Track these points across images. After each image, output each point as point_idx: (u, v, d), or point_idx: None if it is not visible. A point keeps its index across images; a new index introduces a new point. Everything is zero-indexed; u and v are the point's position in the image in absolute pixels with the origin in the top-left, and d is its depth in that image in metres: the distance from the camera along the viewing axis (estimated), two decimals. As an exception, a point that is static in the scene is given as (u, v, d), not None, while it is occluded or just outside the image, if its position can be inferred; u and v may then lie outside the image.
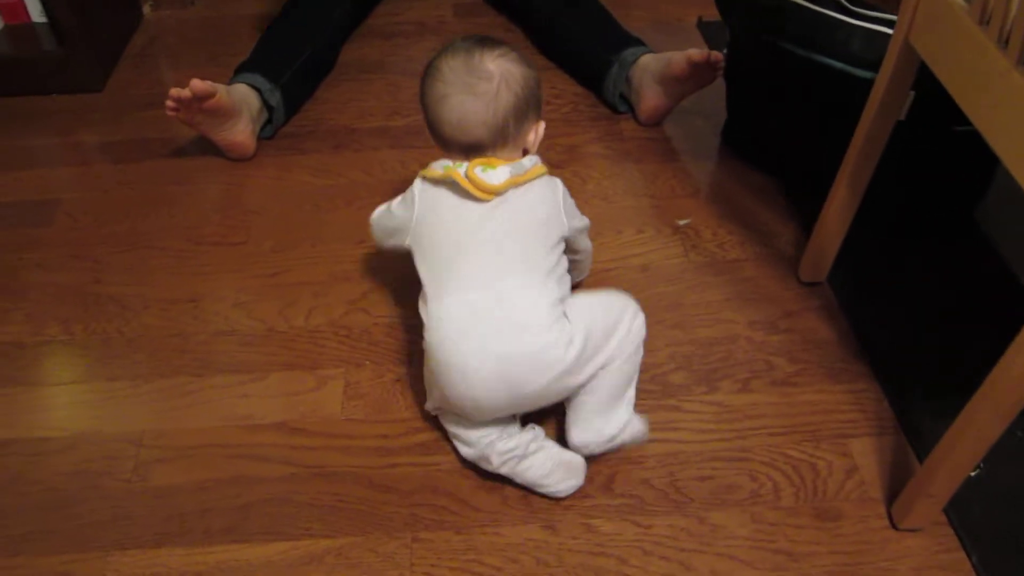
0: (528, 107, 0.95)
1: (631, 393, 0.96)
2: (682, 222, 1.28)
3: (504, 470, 0.92)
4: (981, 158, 1.19)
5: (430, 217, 0.95)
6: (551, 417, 1.00)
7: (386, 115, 1.51)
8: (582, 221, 1.02)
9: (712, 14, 1.49)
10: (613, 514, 0.93)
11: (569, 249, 1.00)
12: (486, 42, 0.95)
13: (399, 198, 1.00)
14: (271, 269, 1.22)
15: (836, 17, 1.10)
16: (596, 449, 0.93)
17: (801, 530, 0.91)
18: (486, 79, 0.92)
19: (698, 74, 1.35)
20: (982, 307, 1.14)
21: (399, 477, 0.96)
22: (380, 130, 1.47)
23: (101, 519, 0.93)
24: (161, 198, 1.34)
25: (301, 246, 1.25)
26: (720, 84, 1.38)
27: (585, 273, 1.16)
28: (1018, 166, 0.70)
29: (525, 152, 0.98)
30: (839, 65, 1.10)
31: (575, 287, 0.99)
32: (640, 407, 1.01)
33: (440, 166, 0.94)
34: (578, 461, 0.94)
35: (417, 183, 0.97)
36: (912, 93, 0.97)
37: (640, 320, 0.95)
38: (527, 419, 0.96)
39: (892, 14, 1.07)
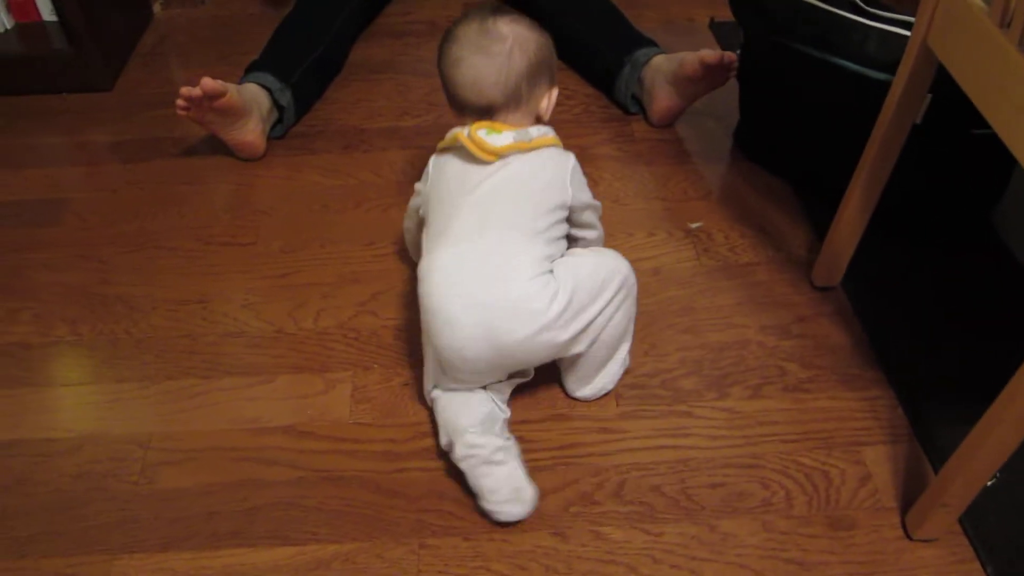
0: (541, 71, 0.97)
1: (623, 352, 1.01)
2: (694, 225, 1.27)
3: (463, 465, 0.91)
4: (998, 161, 1.18)
5: (438, 183, 0.97)
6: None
7: (396, 115, 1.50)
8: (590, 197, 1.02)
9: (724, 14, 1.48)
10: (623, 521, 0.92)
11: (575, 223, 1.00)
12: (500, 9, 0.98)
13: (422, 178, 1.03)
14: (280, 270, 1.21)
15: (851, 18, 1.09)
16: (589, 398, 1.02)
17: (813, 539, 0.90)
18: (499, 40, 0.95)
19: (711, 75, 1.34)
20: (998, 313, 1.12)
21: (407, 482, 0.96)
22: (390, 130, 1.47)
23: (107, 521, 0.92)
24: (170, 198, 1.34)
25: (310, 247, 1.25)
26: (733, 85, 1.37)
27: None
28: (1039, 171, 0.69)
29: (539, 119, 1.00)
30: (854, 67, 1.09)
31: None
32: (650, 412, 1.01)
33: (450, 134, 0.96)
34: (529, 493, 0.90)
35: (432, 158, 1.00)
36: (929, 96, 0.96)
37: (632, 280, 0.97)
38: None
39: (908, 15, 1.06)
